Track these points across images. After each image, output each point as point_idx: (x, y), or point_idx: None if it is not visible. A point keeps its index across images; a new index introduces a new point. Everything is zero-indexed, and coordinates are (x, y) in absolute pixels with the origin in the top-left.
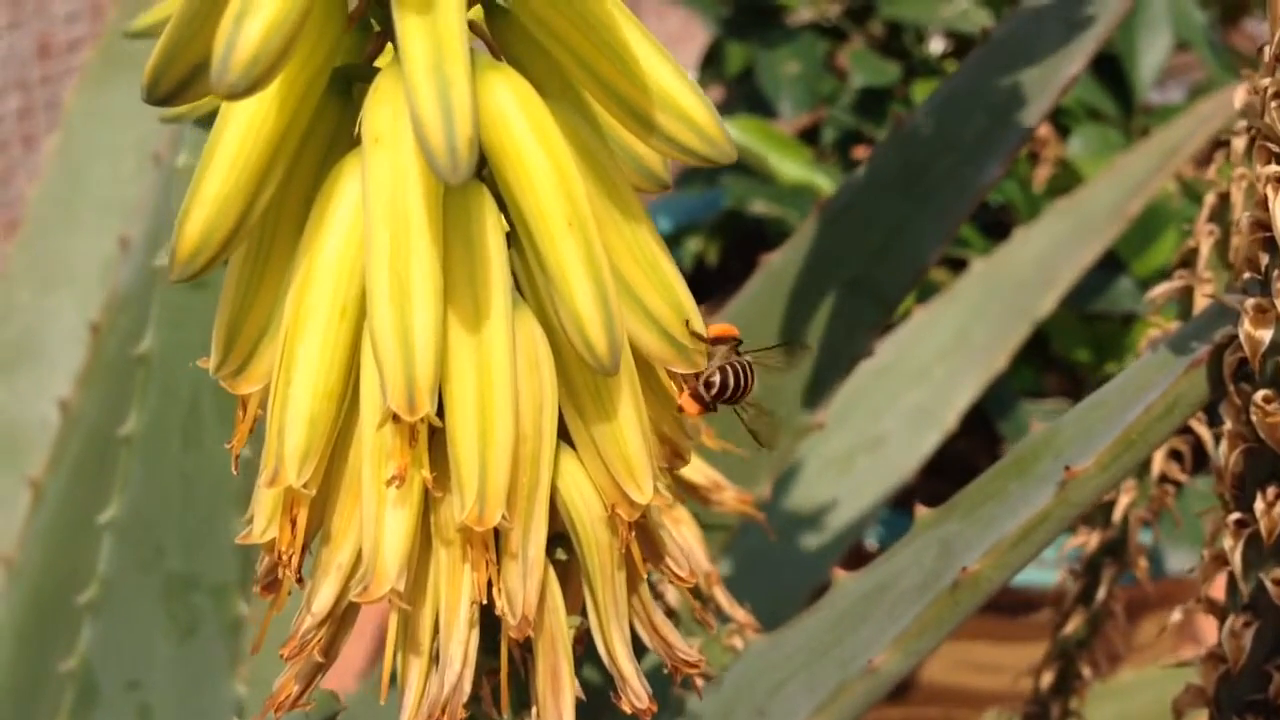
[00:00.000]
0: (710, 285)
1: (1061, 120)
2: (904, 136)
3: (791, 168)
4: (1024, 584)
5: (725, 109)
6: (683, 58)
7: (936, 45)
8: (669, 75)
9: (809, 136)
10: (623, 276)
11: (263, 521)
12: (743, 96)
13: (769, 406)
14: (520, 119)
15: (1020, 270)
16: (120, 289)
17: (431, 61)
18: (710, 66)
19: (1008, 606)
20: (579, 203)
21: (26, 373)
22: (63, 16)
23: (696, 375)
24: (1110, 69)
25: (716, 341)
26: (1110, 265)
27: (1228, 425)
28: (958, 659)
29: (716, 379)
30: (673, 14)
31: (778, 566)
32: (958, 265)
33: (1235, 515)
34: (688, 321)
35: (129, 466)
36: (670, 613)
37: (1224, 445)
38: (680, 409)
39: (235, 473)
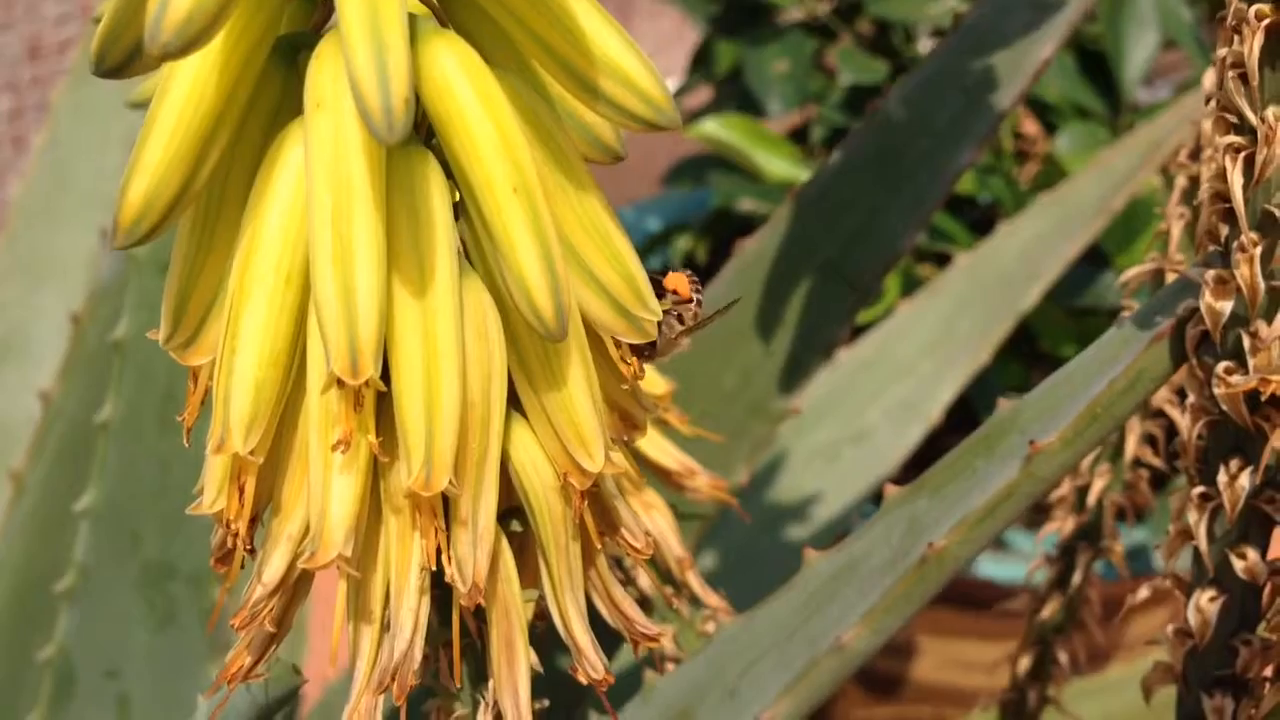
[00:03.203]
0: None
1: (1049, 117)
2: (878, 122)
3: (778, 165)
4: (1013, 581)
5: (715, 108)
6: (675, 58)
7: (925, 44)
8: (614, 42)
9: (799, 135)
10: (572, 245)
11: (212, 491)
12: (732, 95)
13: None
14: (464, 84)
15: (1004, 264)
16: (100, 279)
17: (368, 25)
18: (700, 65)
19: (998, 604)
20: (524, 168)
21: (13, 368)
22: (53, 18)
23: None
24: (1097, 67)
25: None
26: (1095, 260)
27: (1191, 399)
28: (947, 657)
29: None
30: (665, 15)
31: (763, 558)
32: (944, 260)
33: (1199, 489)
34: (639, 291)
35: (105, 453)
36: (644, 600)
37: (1187, 418)
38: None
39: (187, 445)
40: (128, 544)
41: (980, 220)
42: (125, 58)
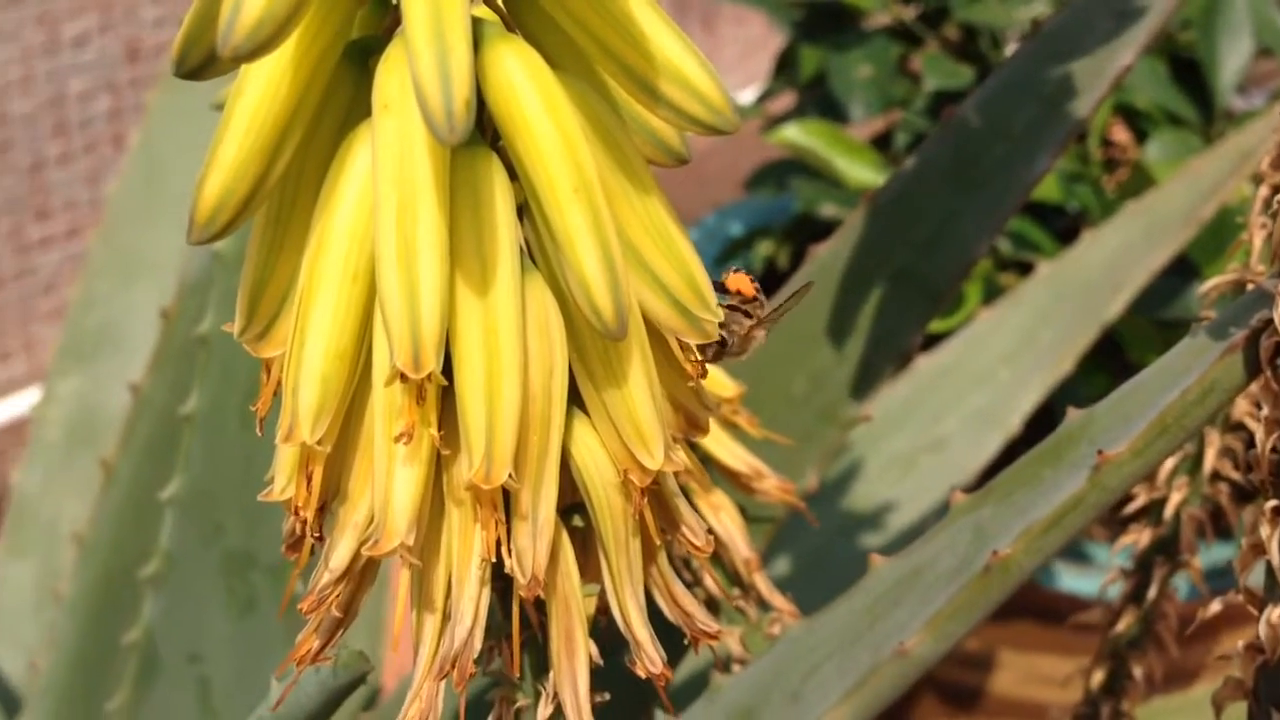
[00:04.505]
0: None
1: (1140, 125)
2: (954, 128)
3: (860, 171)
4: (1094, 596)
5: (798, 113)
6: (761, 64)
7: (1013, 49)
8: (675, 46)
9: (882, 141)
10: (633, 245)
11: (282, 480)
12: (815, 101)
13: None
14: (528, 87)
15: (1088, 273)
16: (190, 276)
17: (432, 29)
18: (784, 71)
19: (1072, 617)
20: (585, 169)
21: (106, 361)
22: (151, 21)
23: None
24: (1191, 74)
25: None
26: (1184, 271)
27: (1265, 411)
28: (1029, 672)
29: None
30: (752, 20)
31: (836, 565)
32: (1027, 269)
33: (1273, 503)
34: (699, 292)
35: (190, 444)
36: (710, 601)
37: (1261, 431)
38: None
39: (260, 434)
40: (211, 533)
41: (1067, 229)
42: (204, 59)
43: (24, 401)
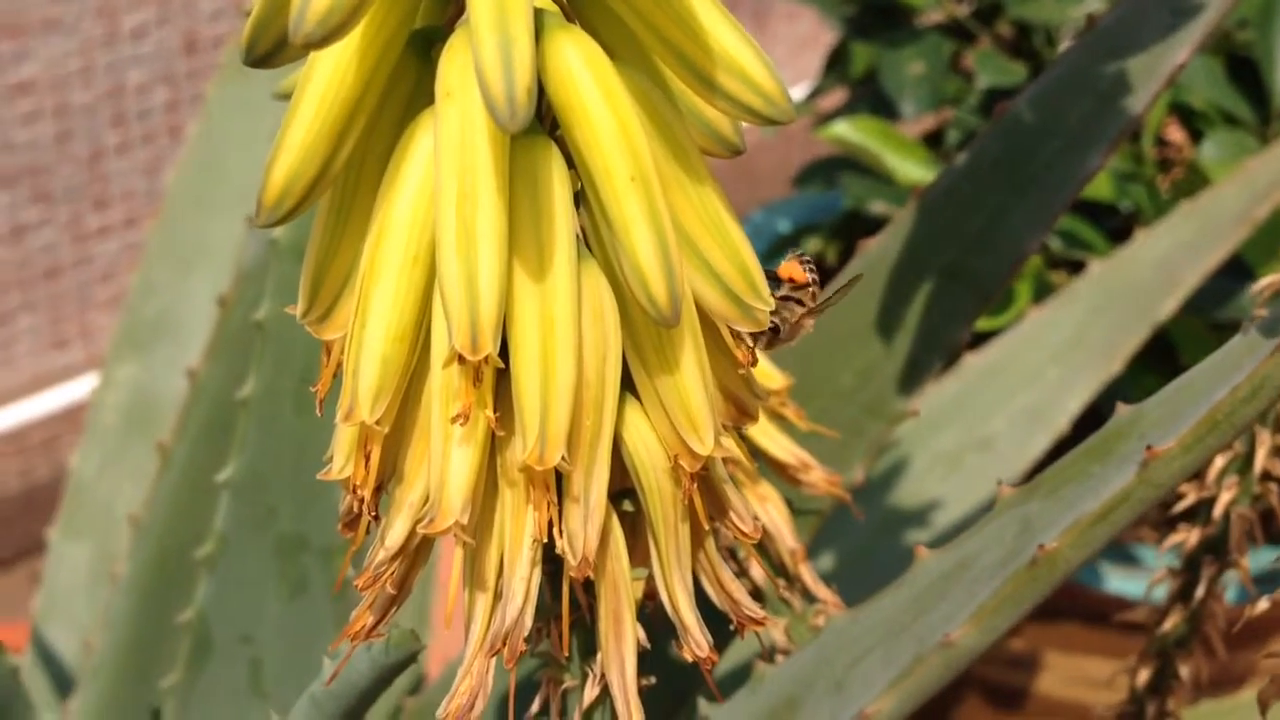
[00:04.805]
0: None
1: (1195, 124)
2: (1006, 123)
3: (910, 168)
4: (1142, 599)
5: (848, 110)
6: (812, 61)
7: (1066, 47)
8: (732, 37)
9: (934, 139)
10: (687, 234)
11: (341, 459)
12: (866, 98)
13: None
14: (586, 76)
15: (1140, 273)
16: (246, 264)
17: (496, 19)
18: (835, 67)
19: (1125, 621)
20: (642, 158)
21: (163, 349)
22: (208, 14)
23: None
24: (1247, 74)
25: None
26: (1238, 272)
27: None
28: (1075, 674)
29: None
30: (803, 17)
31: (881, 561)
32: (1079, 268)
33: None
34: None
35: (246, 429)
36: (756, 592)
37: None
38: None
39: (320, 415)
40: (264, 516)
41: (1120, 229)
42: (273, 47)
43: (81, 387)
